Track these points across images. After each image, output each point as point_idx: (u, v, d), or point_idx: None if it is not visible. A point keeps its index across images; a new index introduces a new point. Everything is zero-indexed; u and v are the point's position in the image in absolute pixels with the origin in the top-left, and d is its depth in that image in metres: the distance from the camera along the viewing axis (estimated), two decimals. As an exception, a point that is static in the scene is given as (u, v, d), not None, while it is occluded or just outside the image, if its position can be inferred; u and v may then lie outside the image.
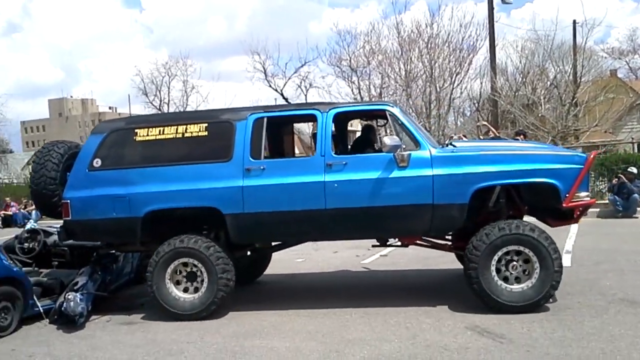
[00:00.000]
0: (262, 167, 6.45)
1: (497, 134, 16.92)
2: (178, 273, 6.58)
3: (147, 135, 6.77)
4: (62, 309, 6.44)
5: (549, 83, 24.62)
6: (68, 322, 6.44)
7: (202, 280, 6.51)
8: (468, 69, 24.96)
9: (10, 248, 7.44)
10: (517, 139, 14.99)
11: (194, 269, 6.54)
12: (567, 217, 6.53)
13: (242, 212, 6.41)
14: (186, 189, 6.51)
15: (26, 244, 7.72)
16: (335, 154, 6.73)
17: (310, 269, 9.31)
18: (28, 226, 7.96)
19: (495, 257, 6.06)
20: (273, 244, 7.54)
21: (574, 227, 12.11)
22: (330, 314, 6.40)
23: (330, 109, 6.63)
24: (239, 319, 6.42)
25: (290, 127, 8.45)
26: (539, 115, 22.76)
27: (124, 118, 7.33)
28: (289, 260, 10.07)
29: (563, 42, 25.27)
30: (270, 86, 30.17)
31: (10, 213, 22.01)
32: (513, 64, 26.19)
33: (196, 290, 6.55)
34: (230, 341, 5.68)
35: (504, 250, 6.06)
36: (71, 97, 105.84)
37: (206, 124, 6.70)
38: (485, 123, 19.64)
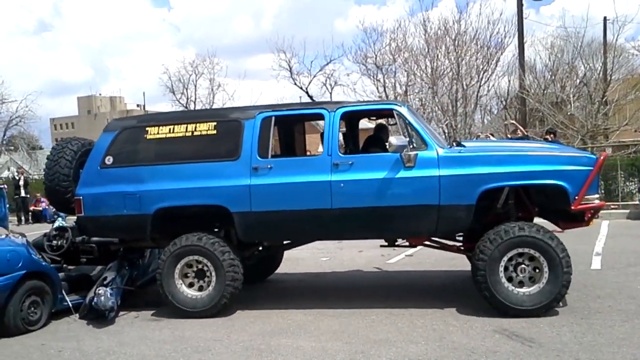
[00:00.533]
0: (269, 166, 6.48)
1: (525, 133, 16.73)
2: (188, 268, 6.65)
3: (158, 133, 6.86)
4: (93, 303, 6.54)
5: (578, 81, 24.18)
6: (98, 316, 6.54)
7: (210, 278, 6.56)
8: (496, 67, 24.63)
9: (39, 245, 7.56)
10: (547, 138, 14.88)
11: (203, 267, 6.59)
12: (578, 219, 6.42)
13: (249, 210, 6.46)
14: (194, 187, 6.57)
15: (55, 242, 7.84)
16: (346, 153, 6.68)
17: (335, 268, 9.30)
18: (57, 223, 8.07)
19: (504, 260, 6.00)
20: (283, 242, 7.57)
21: (603, 229, 11.93)
22: (355, 314, 6.38)
23: (337, 108, 6.62)
24: (265, 318, 6.44)
25: (302, 126, 8.44)
26: (568, 113, 22.39)
27: (136, 116, 7.45)
28: (314, 259, 10.09)
29: (593, 39, 24.85)
30: (295, 84, 30.19)
31: (40, 209, 22.36)
32: (542, 61, 25.83)
33: (204, 287, 6.62)
34: (257, 339, 5.71)
35: (512, 252, 5.99)
36: (100, 94, 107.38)
37: (215, 123, 6.76)
38: (513, 121, 19.42)
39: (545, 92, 24.30)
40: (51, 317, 6.63)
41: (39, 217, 22.29)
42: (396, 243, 7.25)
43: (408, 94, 25.04)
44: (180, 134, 6.78)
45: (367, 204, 6.25)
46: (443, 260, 8.99)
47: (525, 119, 21.77)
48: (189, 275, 6.67)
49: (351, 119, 7.85)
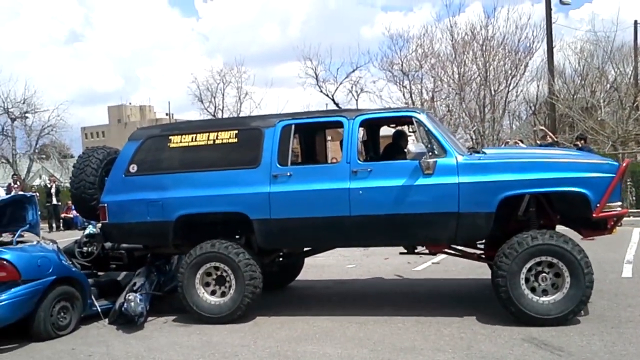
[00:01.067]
0: (288, 174, 6.52)
1: (555, 139, 16.51)
2: (207, 277, 6.73)
3: (181, 142, 6.96)
4: (123, 309, 6.64)
5: (608, 86, 23.80)
6: (128, 322, 6.64)
7: (230, 282, 6.63)
8: (524, 72, 24.40)
9: (70, 252, 7.70)
10: (578, 144, 14.67)
11: (224, 274, 6.66)
12: (600, 227, 6.31)
13: (269, 217, 6.51)
14: (215, 195, 6.65)
15: (85, 248, 7.99)
16: (366, 160, 6.66)
17: (361, 275, 9.28)
18: (87, 230, 8.23)
19: (526, 267, 5.92)
20: (304, 249, 7.63)
21: (634, 237, 11.70)
22: (381, 322, 6.36)
23: (356, 116, 6.63)
24: (291, 324, 6.46)
25: (323, 134, 8.49)
26: (598, 119, 22.05)
27: (160, 125, 7.59)
28: (340, 267, 10.08)
29: (624, 43, 24.53)
30: (321, 91, 30.25)
31: (71, 216, 22.72)
32: (571, 66, 25.52)
33: (224, 294, 6.68)
34: (283, 345, 5.73)
35: (536, 260, 5.91)
36: (130, 103, 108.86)
37: (236, 131, 6.83)
38: (543, 127, 19.19)
39: (575, 97, 23.98)
40: (81, 322, 6.74)
41: (70, 224, 22.67)
42: (416, 250, 7.23)
43: (435, 100, 24.93)
44: (202, 143, 6.88)
45: (386, 211, 6.24)
46: (470, 268, 8.90)
47: (555, 124, 21.50)
48: (210, 283, 6.74)
49: (372, 126, 7.85)
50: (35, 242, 6.84)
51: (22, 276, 6.11)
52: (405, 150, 6.66)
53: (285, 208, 6.47)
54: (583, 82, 24.42)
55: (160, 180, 6.91)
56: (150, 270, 7.31)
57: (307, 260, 8.64)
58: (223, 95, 34.88)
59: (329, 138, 9.08)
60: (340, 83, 29.76)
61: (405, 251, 7.24)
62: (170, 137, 7.03)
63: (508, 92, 24.08)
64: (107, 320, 6.86)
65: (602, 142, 20.30)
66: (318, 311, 6.94)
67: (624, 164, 6.18)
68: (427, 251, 7.18)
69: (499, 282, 5.94)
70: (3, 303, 5.92)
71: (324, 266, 10.03)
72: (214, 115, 33.60)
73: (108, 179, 7.21)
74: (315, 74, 29.90)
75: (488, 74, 23.46)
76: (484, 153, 6.67)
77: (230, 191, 6.62)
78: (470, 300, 7.21)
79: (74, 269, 6.78)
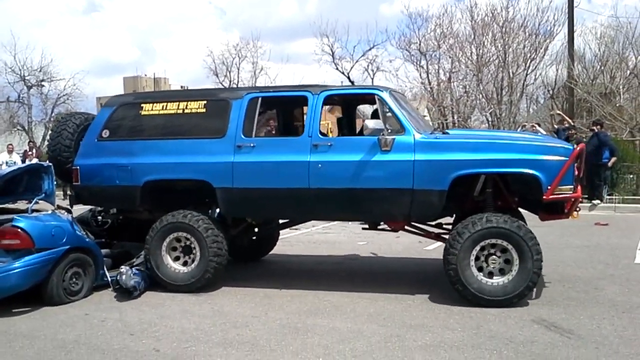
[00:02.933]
0: (252, 145, 6.67)
1: (572, 124, 16.37)
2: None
3: (152, 110, 7.15)
4: (118, 280, 6.72)
5: (628, 72, 23.45)
6: (125, 292, 6.69)
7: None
8: (544, 55, 24.08)
9: (84, 220, 7.77)
10: (594, 129, 14.54)
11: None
12: (558, 211, 6.41)
13: (232, 187, 6.68)
14: (181, 162, 6.84)
15: (99, 217, 8.07)
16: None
17: (371, 252, 9.31)
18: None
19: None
20: (273, 220, 7.90)
21: (650, 224, 11.63)
22: (391, 298, 6.40)
23: (321, 92, 6.73)
24: (302, 298, 6.51)
25: (301, 109, 8.44)
26: (617, 105, 21.76)
27: (134, 93, 7.73)
28: (351, 243, 10.12)
29: (645, 29, 23.97)
30: (337, 69, 30.05)
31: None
32: (591, 51, 25.13)
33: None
34: (293, 318, 5.78)
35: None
36: (145, 75, 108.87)
37: (205, 102, 7.01)
38: (560, 112, 19.01)
39: (594, 82, 23.66)
40: (93, 291, 6.81)
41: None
42: (379, 227, 7.38)
43: (452, 81, 24.73)
44: (172, 111, 7.06)
45: (343, 185, 6.37)
46: (482, 249, 8.91)
47: (573, 109, 21.25)
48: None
49: (348, 104, 8.01)
50: (50, 212, 6.90)
51: (35, 245, 6.17)
52: (362, 125, 6.75)
53: (247, 178, 6.63)
54: (603, 68, 24.06)
55: (130, 146, 7.09)
56: None
57: (318, 236, 8.72)
58: (238, 69, 34.74)
59: (337, 114, 9.08)
60: (357, 61, 29.55)
61: (367, 226, 7.44)
62: (142, 105, 7.21)
63: (526, 75, 23.82)
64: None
65: (620, 129, 20.05)
66: (328, 286, 6.98)
67: (578, 148, 6.13)
68: (388, 228, 7.26)
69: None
70: (16, 271, 6.00)
71: (335, 242, 10.09)
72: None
73: (82, 143, 7.41)
74: (332, 51, 29.69)
75: (507, 56, 23.18)
76: (447, 133, 6.79)
77: (195, 159, 6.79)
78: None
79: (87, 239, 6.84)
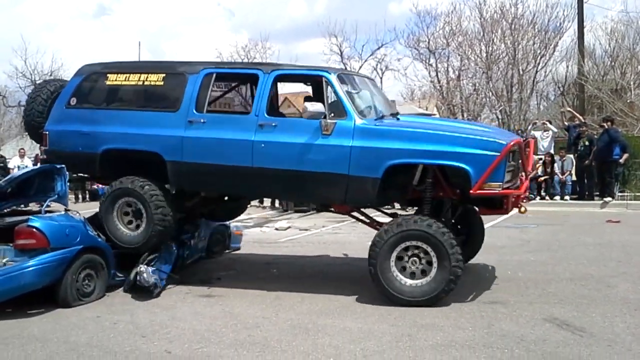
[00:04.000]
0: (202, 120, 6.77)
1: (583, 120, 16.25)
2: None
3: (116, 80, 7.31)
4: (137, 281, 6.74)
5: (639, 67, 23.29)
6: (144, 292, 6.72)
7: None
8: (553, 52, 24.02)
9: (95, 221, 7.81)
10: (604, 126, 14.43)
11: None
12: (496, 206, 6.42)
13: (181, 160, 6.80)
14: (137, 133, 6.99)
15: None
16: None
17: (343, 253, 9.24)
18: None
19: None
20: (213, 193, 7.94)
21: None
22: (402, 298, 6.38)
23: (272, 71, 6.81)
24: (312, 298, 6.51)
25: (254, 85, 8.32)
26: (628, 101, 21.59)
27: (103, 63, 7.98)
28: (361, 243, 10.04)
29: (656, 25, 23.78)
30: (345, 68, 30.07)
31: (96, 187, 23.01)
32: (602, 46, 24.99)
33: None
34: (304, 318, 5.79)
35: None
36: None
37: (164, 75, 7.12)
38: (570, 109, 18.90)
39: (604, 78, 23.53)
40: (105, 292, 6.85)
41: (95, 196, 22.95)
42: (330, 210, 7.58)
43: (461, 78, 24.69)
44: (134, 83, 7.20)
45: (283, 166, 6.44)
46: (493, 248, 8.88)
47: (584, 106, 21.13)
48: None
49: (318, 85, 7.97)
50: (63, 212, 6.95)
51: (50, 244, 6.22)
52: (302, 108, 6.79)
53: (196, 153, 6.74)
54: (613, 64, 23.91)
55: (93, 114, 7.26)
56: (169, 245, 7.35)
57: (328, 236, 8.72)
58: (247, 71, 34.81)
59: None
60: (365, 60, 29.61)
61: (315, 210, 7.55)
62: (107, 75, 7.36)
63: (536, 72, 23.74)
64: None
65: (631, 125, 19.89)
66: (338, 286, 6.98)
67: (510, 144, 5.99)
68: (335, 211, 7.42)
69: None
70: (31, 269, 6.06)
71: (345, 243, 10.08)
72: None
73: (52, 110, 7.59)
74: (340, 50, 29.77)
75: (516, 53, 23.11)
76: (398, 120, 6.80)
77: (150, 132, 6.93)
78: (492, 279, 7.19)
79: (99, 239, 6.89)
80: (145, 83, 7.13)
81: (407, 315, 5.75)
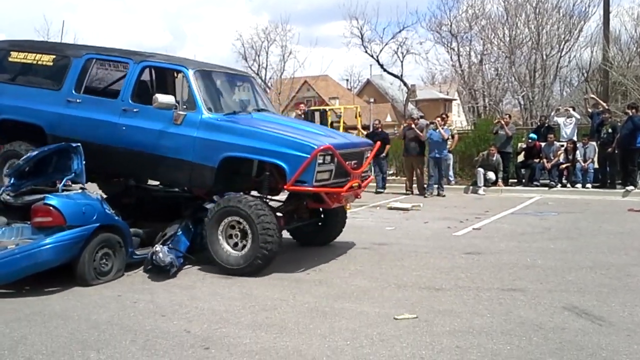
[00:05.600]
0: (78, 100, 7.62)
1: (606, 107, 16.00)
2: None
3: (17, 57, 8.21)
4: (153, 260, 6.82)
5: (666, 54, 22.84)
6: (160, 271, 6.80)
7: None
8: (578, 37, 23.65)
9: (113, 201, 7.89)
10: (628, 113, 14.19)
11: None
12: (320, 201, 7.17)
13: (59, 135, 7.53)
14: (26, 107, 7.83)
15: (127, 199, 8.20)
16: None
17: (400, 238, 9.28)
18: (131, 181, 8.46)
19: (222, 225, 6.81)
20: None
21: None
22: (419, 284, 6.39)
23: (141, 61, 7.57)
24: (329, 282, 6.54)
25: (172, 76, 8.80)
26: (653, 88, 21.20)
27: (12, 40, 8.91)
28: (379, 228, 10.12)
29: (685, 10, 23.27)
30: (366, 52, 29.89)
31: None
32: (627, 32, 24.55)
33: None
34: (321, 302, 5.82)
35: (227, 220, 6.79)
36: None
37: (54, 56, 7.98)
38: (593, 96, 18.61)
39: (629, 65, 23.10)
40: (125, 271, 6.92)
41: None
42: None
43: (483, 63, 24.42)
44: (30, 61, 8.08)
45: (139, 148, 7.24)
46: (512, 235, 8.84)
47: (607, 92, 20.77)
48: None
49: (169, 75, 8.61)
50: (79, 190, 7.00)
51: (67, 222, 6.28)
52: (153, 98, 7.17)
53: (71, 129, 7.52)
54: (639, 50, 23.44)
55: None
56: (187, 223, 7.41)
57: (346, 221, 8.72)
58: (267, 53, 34.80)
59: (371, 100, 9.24)
60: (386, 44, 29.41)
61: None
62: (11, 52, 8.25)
63: (560, 57, 23.42)
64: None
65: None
66: (356, 271, 7.01)
67: (319, 148, 6.57)
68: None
69: (203, 233, 6.96)
70: (49, 246, 6.13)
71: (362, 227, 10.09)
72: (257, 74, 33.60)
73: None
74: (361, 33, 29.60)
75: (540, 37, 22.78)
76: (251, 117, 7.46)
77: (36, 107, 7.77)
78: (511, 266, 7.15)
79: (116, 217, 6.94)
80: (39, 63, 7.99)
81: (424, 302, 5.75)
